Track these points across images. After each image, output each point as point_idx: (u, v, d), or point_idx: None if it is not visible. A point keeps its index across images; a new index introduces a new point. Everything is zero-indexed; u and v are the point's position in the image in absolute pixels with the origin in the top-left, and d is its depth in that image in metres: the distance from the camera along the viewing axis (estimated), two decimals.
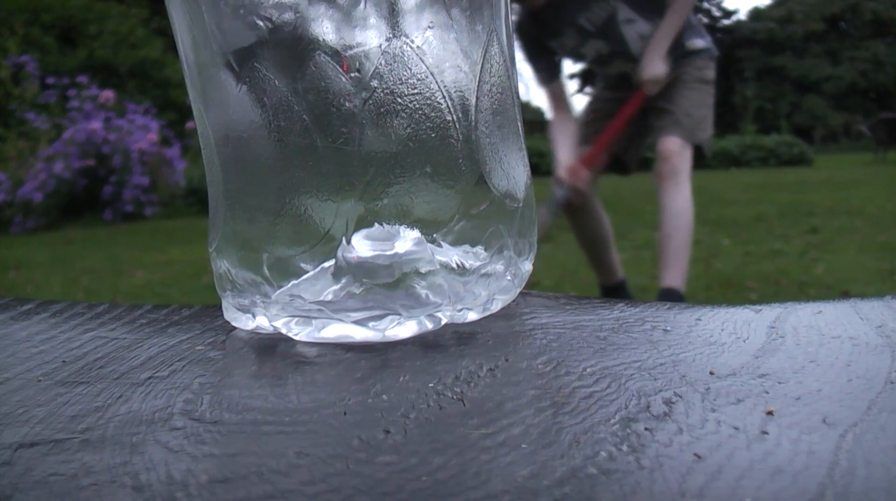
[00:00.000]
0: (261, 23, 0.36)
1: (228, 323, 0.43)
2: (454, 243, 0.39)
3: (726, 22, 30.52)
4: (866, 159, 15.65)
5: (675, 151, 2.76)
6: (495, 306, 0.42)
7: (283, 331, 0.40)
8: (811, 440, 0.26)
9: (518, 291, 0.44)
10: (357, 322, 0.38)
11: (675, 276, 2.74)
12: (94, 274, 4.49)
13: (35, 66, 9.00)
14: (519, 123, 0.43)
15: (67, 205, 7.51)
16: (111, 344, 0.42)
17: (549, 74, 2.95)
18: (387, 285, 0.38)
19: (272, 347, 0.40)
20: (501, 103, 0.40)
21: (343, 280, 0.38)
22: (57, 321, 0.47)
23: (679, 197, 2.76)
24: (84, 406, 0.32)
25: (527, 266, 0.44)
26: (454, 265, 0.39)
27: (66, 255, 5.34)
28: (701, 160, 2.90)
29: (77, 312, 0.48)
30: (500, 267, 0.41)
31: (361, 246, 0.38)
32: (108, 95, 8.17)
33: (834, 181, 9.29)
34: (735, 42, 28.74)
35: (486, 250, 0.40)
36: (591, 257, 3.12)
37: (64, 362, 0.39)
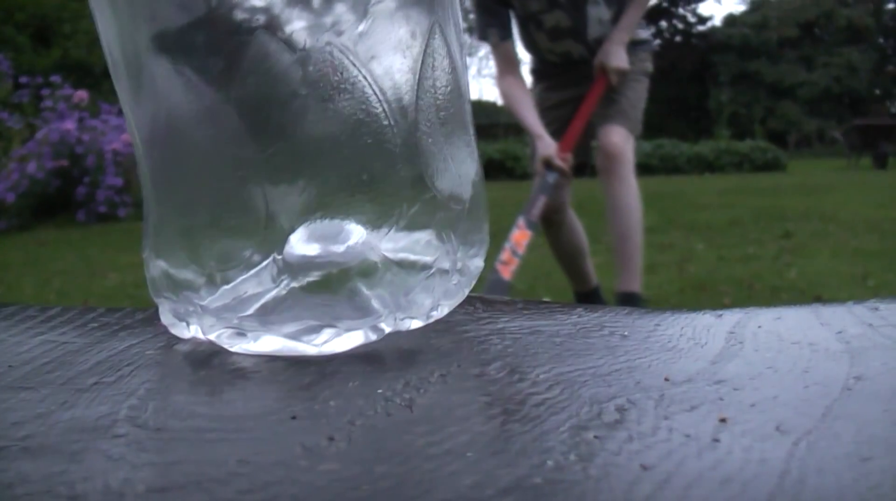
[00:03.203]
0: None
1: None
2: (397, 250, 0.38)
3: (701, 28, 30.71)
4: (840, 165, 15.79)
5: (622, 143, 2.72)
6: (441, 312, 0.42)
7: (218, 343, 0.39)
8: (763, 447, 0.26)
9: (467, 291, 0.43)
10: (291, 335, 0.37)
11: (633, 279, 2.72)
12: (66, 276, 4.45)
13: (8, 65, 8.93)
14: (467, 116, 0.41)
15: (40, 206, 7.45)
16: (60, 348, 0.41)
17: (502, 32, 2.84)
18: (328, 287, 0.37)
19: (223, 352, 0.39)
20: (446, 98, 0.39)
21: (283, 281, 0.37)
22: (7, 324, 0.46)
23: (629, 193, 2.73)
24: (27, 413, 0.32)
25: (477, 263, 0.43)
26: (399, 262, 0.38)
27: (39, 256, 5.30)
28: None
29: (29, 315, 0.48)
30: (445, 266, 0.40)
31: (303, 245, 0.36)
32: (81, 94, 8.12)
33: (807, 186, 9.35)
34: (710, 47, 28.91)
35: (429, 254, 0.39)
36: (567, 267, 3.10)
37: (10, 366, 0.38)
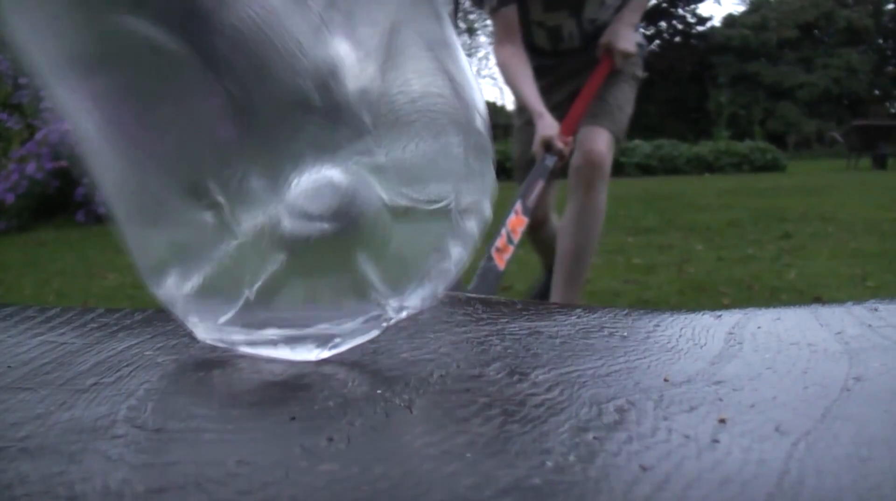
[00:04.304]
0: None
1: (180, 328, 0.42)
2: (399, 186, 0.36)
3: (701, 28, 30.68)
4: (839, 166, 15.78)
5: (607, 152, 2.49)
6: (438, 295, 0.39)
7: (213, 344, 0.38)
8: (762, 448, 0.26)
9: (466, 254, 0.39)
10: (285, 343, 0.37)
11: (577, 296, 2.58)
12: (65, 276, 4.45)
13: (8, 65, 8.92)
14: (449, 97, 0.38)
15: (39, 206, 7.43)
16: (59, 349, 0.41)
17: None
18: (330, 266, 0.35)
19: (222, 352, 0.39)
20: (424, 93, 0.37)
21: (281, 260, 0.35)
22: (6, 325, 0.46)
23: (600, 208, 2.52)
24: (25, 413, 0.32)
25: (485, 210, 0.39)
26: (403, 211, 0.36)
27: (38, 257, 5.29)
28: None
29: (28, 316, 0.47)
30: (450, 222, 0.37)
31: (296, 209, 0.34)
32: None
33: (807, 187, 9.34)
34: (709, 48, 28.90)
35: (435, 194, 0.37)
36: (542, 251, 2.95)
37: (9, 367, 0.38)
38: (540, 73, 2.72)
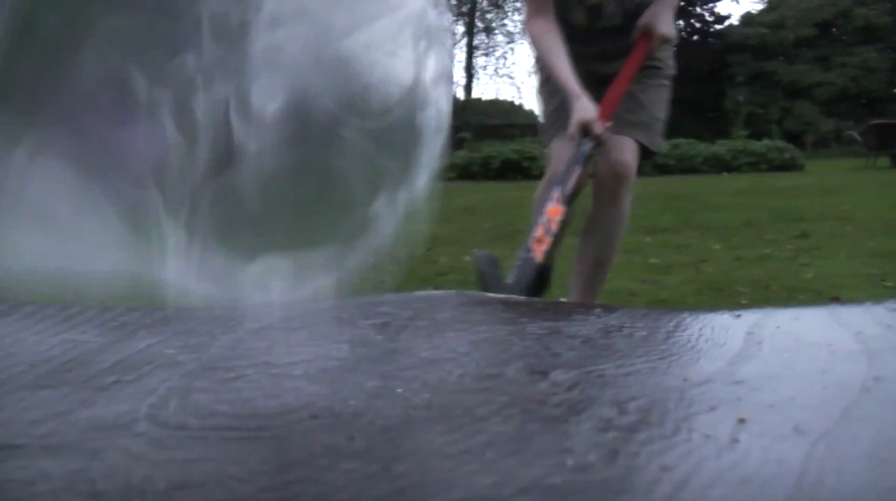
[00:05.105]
0: None
1: (200, 326, 0.42)
2: None
3: (718, 27, 30.57)
4: (857, 165, 15.69)
5: (634, 164, 2.40)
6: None
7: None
8: (782, 448, 0.26)
9: None
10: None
11: (596, 299, 2.52)
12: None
13: None
14: None
15: None
16: (80, 347, 0.41)
17: None
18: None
19: (243, 350, 0.39)
20: None
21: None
22: (27, 323, 0.46)
23: (622, 219, 2.44)
24: (47, 411, 0.32)
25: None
26: None
27: None
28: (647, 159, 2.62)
29: (48, 314, 0.48)
30: None
31: None
32: None
33: (824, 187, 9.29)
34: (727, 47, 28.80)
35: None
36: None
37: (31, 365, 0.38)
38: (571, 47, 2.60)
